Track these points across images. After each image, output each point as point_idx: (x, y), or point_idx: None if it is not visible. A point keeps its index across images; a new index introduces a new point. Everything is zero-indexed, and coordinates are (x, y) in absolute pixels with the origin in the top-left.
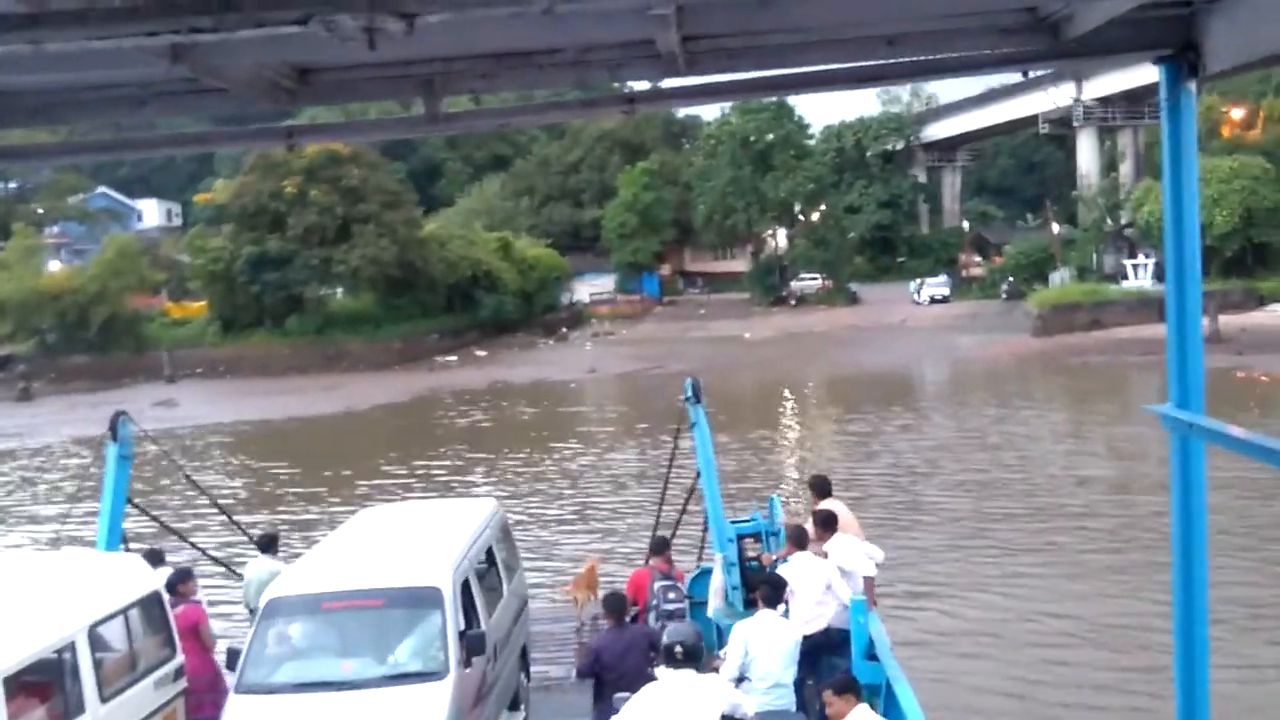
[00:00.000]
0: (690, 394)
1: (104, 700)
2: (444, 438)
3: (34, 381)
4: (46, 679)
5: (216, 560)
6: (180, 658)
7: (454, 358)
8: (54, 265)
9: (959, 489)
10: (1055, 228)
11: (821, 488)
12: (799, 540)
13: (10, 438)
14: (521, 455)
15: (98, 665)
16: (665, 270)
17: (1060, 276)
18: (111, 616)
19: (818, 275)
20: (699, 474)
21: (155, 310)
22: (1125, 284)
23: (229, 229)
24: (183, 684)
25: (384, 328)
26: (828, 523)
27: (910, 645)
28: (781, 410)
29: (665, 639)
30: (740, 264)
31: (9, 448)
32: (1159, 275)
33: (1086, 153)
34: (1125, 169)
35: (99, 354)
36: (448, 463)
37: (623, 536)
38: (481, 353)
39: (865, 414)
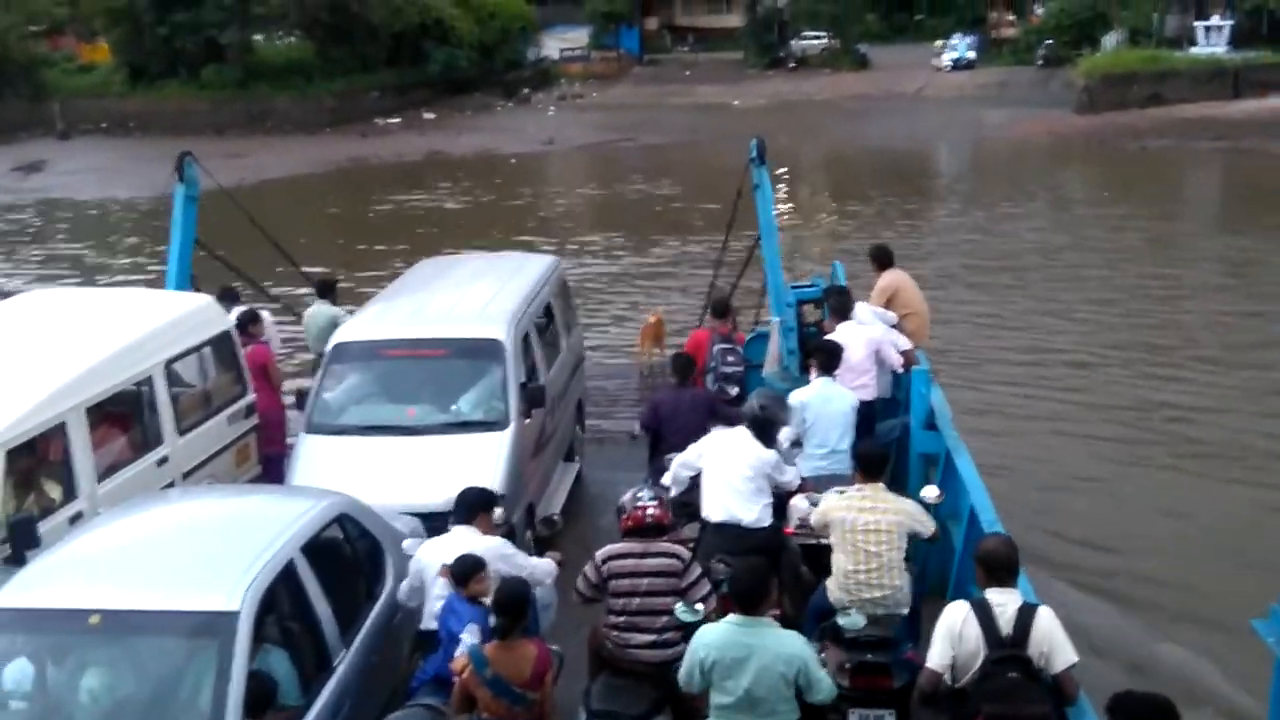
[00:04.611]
0: (755, 155)
1: (181, 433)
2: (324, 233)
3: None
4: (126, 410)
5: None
6: (251, 395)
7: (396, 120)
8: None
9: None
10: None
11: (882, 257)
12: (842, 310)
13: None
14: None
15: (174, 400)
16: (650, 24)
17: (1113, 40)
18: (186, 353)
19: (823, 34)
20: (758, 238)
21: (63, 54)
22: (1194, 50)
23: None
24: (254, 420)
25: (315, 83)
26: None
27: None
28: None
29: (755, 401)
30: (736, 19)
31: None
32: (1237, 40)
33: None
34: None
35: None
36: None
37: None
38: (430, 115)
39: (868, 204)
